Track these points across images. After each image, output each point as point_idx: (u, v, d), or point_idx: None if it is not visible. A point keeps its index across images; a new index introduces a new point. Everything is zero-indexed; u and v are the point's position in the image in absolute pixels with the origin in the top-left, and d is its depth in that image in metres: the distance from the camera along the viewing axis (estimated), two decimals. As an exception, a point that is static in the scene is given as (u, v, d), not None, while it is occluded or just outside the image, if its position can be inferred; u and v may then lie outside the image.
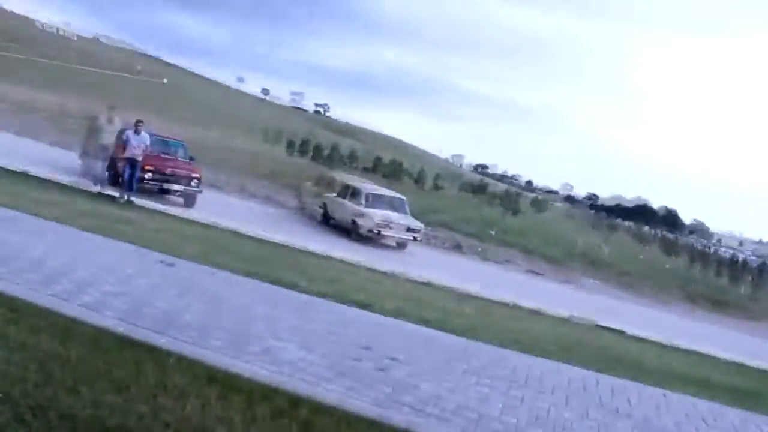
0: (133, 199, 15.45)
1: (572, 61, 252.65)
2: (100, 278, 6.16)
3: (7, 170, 15.99)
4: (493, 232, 28.89)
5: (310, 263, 11.89)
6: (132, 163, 15.82)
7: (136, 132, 16.09)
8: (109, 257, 7.23)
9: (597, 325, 12.24)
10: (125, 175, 15.75)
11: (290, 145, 43.61)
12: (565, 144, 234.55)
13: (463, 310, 10.51)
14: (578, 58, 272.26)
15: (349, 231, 20.71)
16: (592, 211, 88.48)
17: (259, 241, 13.81)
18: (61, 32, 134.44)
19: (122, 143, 16.25)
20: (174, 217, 14.78)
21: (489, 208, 38.31)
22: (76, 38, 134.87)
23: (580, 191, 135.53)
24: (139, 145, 15.92)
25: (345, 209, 21.28)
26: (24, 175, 15.83)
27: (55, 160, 20.30)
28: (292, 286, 7.64)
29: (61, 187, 15.75)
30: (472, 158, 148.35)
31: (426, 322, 7.59)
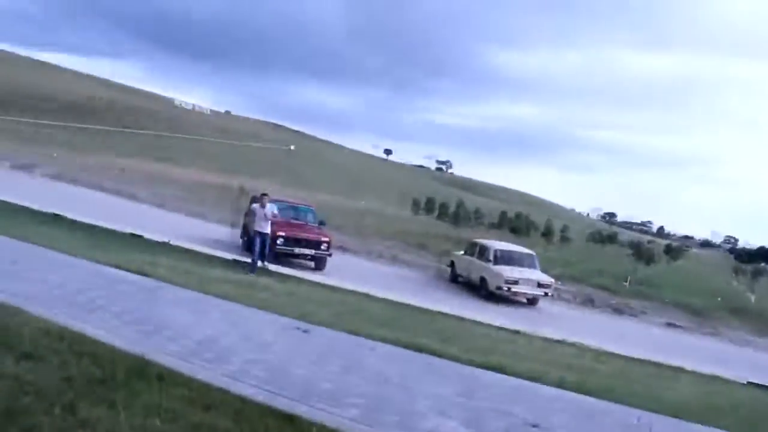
0: (266, 265, 15.66)
1: (702, 105, 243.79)
2: (241, 346, 6.34)
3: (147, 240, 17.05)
4: (626, 284, 27.76)
5: (441, 324, 11.81)
6: (261, 237, 15.89)
7: (262, 205, 16.12)
8: (249, 325, 7.44)
9: (749, 383, 11.41)
10: (254, 248, 15.80)
11: (415, 204, 43.98)
12: (703, 189, 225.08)
13: (600, 369, 10.09)
14: (712, 102, 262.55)
15: (479, 289, 20.49)
16: (732, 256, 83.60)
17: (390, 303, 13.87)
18: (196, 108, 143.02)
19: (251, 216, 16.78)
20: (306, 281, 15.11)
21: (620, 257, 36.93)
22: (209, 112, 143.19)
23: (718, 236, 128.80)
24: (264, 217, 15.94)
25: (473, 267, 21.12)
26: (162, 245, 16.78)
27: (190, 230, 21.23)
28: (426, 350, 7.56)
29: (194, 254, 16.54)
30: (600, 207, 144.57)
31: (564, 384, 7.31)
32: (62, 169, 45.53)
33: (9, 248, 10.63)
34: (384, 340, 7.78)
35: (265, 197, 16.33)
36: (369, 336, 7.95)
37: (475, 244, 21.99)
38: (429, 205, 43.06)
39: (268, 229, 15.92)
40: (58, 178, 41.10)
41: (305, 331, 7.41)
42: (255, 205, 16.49)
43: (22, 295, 7.04)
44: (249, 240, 20.44)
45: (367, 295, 14.33)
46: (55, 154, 56.89)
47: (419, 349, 7.52)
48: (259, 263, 15.70)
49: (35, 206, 21.38)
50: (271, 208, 16.15)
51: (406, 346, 7.63)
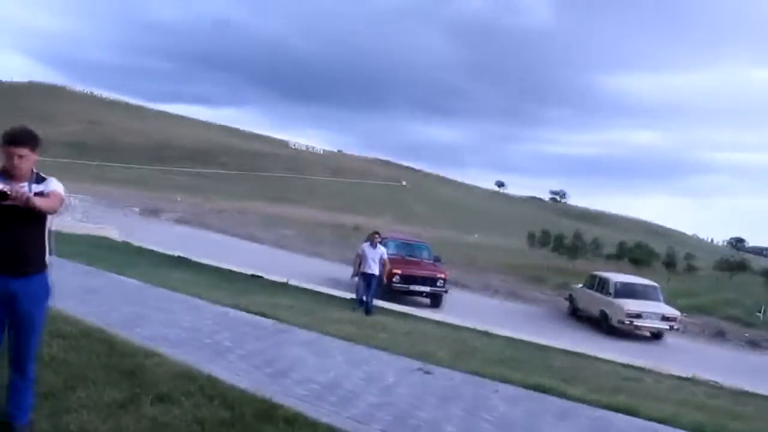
0: (372, 308, 14.56)
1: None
2: (364, 389, 6.34)
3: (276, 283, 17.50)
4: (760, 315, 26.12)
5: (563, 362, 11.45)
6: (368, 279, 14.75)
7: (372, 245, 15.13)
8: (371, 366, 7.43)
9: None
10: (361, 291, 14.80)
11: (531, 236, 43.18)
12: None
13: (739, 411, 9.47)
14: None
15: (599, 323, 19.84)
16: None
17: (509, 340, 13.62)
18: (309, 149, 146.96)
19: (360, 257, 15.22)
20: (423, 319, 15.08)
21: (752, 286, 34.83)
22: (322, 152, 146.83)
23: None
24: (375, 258, 14.89)
25: (593, 300, 20.49)
26: (281, 285, 17.18)
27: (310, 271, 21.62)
28: (551, 391, 7.32)
29: (313, 294, 16.84)
30: (726, 233, 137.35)
31: (702, 429, 6.89)
32: (185, 212, 47.76)
33: (138, 290, 11.15)
34: (506, 381, 7.59)
35: (377, 236, 15.44)
36: (490, 376, 7.78)
37: (594, 277, 21.38)
38: (545, 238, 42.14)
39: (376, 270, 14.79)
40: (182, 221, 43.10)
41: (427, 372, 7.34)
42: (365, 245, 15.25)
43: (154, 337, 7.35)
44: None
45: (485, 333, 14.13)
46: (178, 198, 59.75)
47: (543, 390, 7.29)
48: (367, 305, 14.62)
49: (161, 249, 22.46)
50: (379, 251, 15.12)
51: (529, 387, 7.41)
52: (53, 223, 4.28)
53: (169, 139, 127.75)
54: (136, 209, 46.85)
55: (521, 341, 13.89)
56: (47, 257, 4.28)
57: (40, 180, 4.14)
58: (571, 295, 22.82)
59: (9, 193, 3.70)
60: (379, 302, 17.23)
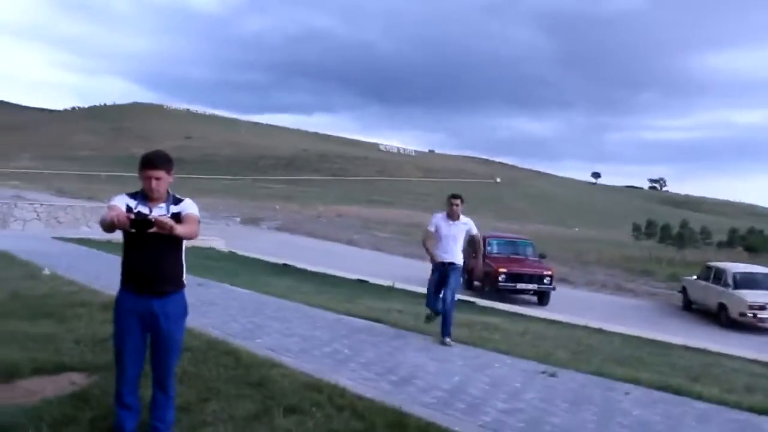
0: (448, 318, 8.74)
1: None
2: (491, 394, 6.20)
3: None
4: None
5: (686, 359, 10.93)
6: (442, 272, 8.86)
7: (449, 216, 8.90)
8: (492, 370, 7.28)
9: None
10: (433, 291, 8.98)
11: (636, 228, 41.77)
12: None
13: None
14: None
15: (717, 316, 18.97)
16: None
17: (624, 337, 13.14)
18: (401, 151, 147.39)
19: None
20: (534, 318, 14.76)
21: None
22: (414, 153, 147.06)
23: None
24: (455, 237, 8.89)
25: (709, 292, 19.61)
26: (386, 289, 17.18)
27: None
28: (684, 392, 6.97)
29: (419, 296, 16.72)
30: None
31: None
32: (285, 220, 48.72)
33: (251, 300, 11.36)
34: (633, 381, 7.28)
35: (456, 202, 8.85)
36: (614, 377, 7.49)
37: (709, 268, 20.45)
38: (650, 228, 40.69)
39: (458, 257, 8.84)
40: (282, 229, 44.00)
41: (552, 375, 7.12)
42: (438, 217, 9.03)
43: (275, 347, 7.43)
44: (470, 277, 20.40)
45: (599, 330, 13.72)
46: (277, 207, 61.01)
47: (675, 391, 6.95)
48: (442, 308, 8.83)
49: (265, 257, 22.92)
50: (462, 224, 8.89)
51: (659, 388, 7.08)
52: None
53: (263, 148, 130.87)
54: (237, 219, 48.13)
55: (638, 338, 13.38)
56: (184, 276, 4.39)
57: (176, 201, 4.31)
58: (684, 288, 21.93)
59: (154, 222, 3.82)
60: (483, 302, 17.00)
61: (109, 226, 4.00)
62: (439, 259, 8.81)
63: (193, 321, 8.32)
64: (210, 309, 9.88)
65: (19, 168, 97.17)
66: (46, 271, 11.94)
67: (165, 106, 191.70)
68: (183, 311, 4.41)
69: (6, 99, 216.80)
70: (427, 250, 9.20)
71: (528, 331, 11.39)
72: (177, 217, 4.18)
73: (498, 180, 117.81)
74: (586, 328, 13.84)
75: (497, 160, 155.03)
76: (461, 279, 10.15)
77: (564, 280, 24.85)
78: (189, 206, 4.31)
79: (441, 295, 8.81)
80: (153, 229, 3.90)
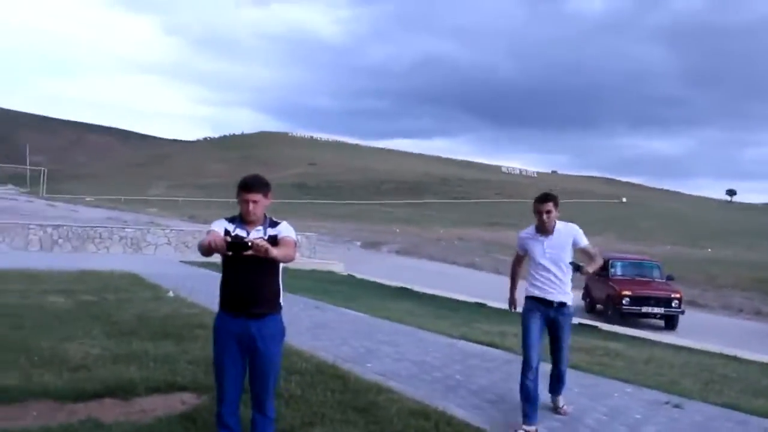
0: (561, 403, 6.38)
1: None
2: (609, 426, 5.85)
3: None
4: None
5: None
6: (546, 314, 5.89)
7: (541, 229, 5.87)
8: (613, 399, 6.88)
9: None
10: (533, 343, 5.90)
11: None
12: None
13: None
14: None
15: None
16: None
17: (764, 366, 12.19)
18: (523, 173, 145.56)
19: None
20: (659, 344, 13.97)
21: None
22: (536, 175, 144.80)
23: None
24: (554, 259, 5.84)
25: None
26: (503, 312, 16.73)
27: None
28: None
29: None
30: None
31: None
32: (405, 243, 48.89)
33: (365, 324, 11.34)
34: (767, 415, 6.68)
35: (546, 205, 5.77)
36: (749, 410, 6.89)
37: None
38: (792, 248, 37.95)
39: (565, 293, 5.86)
40: (402, 252, 44.16)
41: (676, 406, 6.64)
42: (525, 234, 6.06)
43: (385, 372, 7.34)
44: (591, 300, 19.72)
45: (734, 358, 12.79)
46: (397, 230, 61.44)
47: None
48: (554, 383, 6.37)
49: (384, 281, 22.98)
50: (564, 235, 5.86)
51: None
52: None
53: (385, 173, 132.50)
54: (358, 243, 48.78)
55: (778, 367, 12.38)
56: (281, 298, 4.39)
57: (273, 224, 4.34)
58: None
59: (251, 245, 3.84)
60: (606, 326, 16.29)
61: (206, 250, 4.06)
62: (537, 293, 5.73)
63: (305, 344, 8.43)
64: (323, 332, 9.94)
65: (156, 196, 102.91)
66: (171, 294, 12.44)
67: (290, 134, 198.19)
68: (280, 333, 4.43)
69: (148, 132, 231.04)
70: (512, 283, 6.22)
71: (653, 357, 10.75)
72: (274, 240, 4.21)
73: (624, 200, 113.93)
74: (718, 355, 12.94)
75: (624, 179, 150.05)
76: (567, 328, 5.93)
77: (694, 304, 23.52)
78: (285, 229, 4.34)
79: (550, 355, 6.10)
80: (249, 252, 3.92)
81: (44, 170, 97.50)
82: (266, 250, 3.91)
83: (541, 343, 5.78)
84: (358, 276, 24.07)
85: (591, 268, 5.94)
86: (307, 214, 69.52)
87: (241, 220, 4.32)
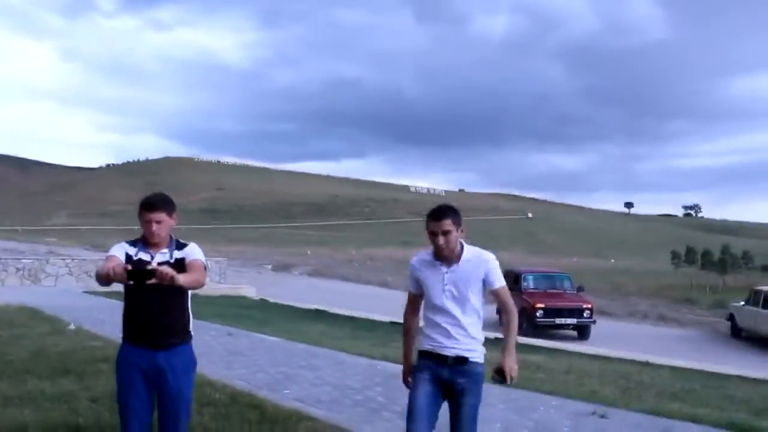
0: None
1: None
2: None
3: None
4: None
5: (743, 391, 10.26)
6: (435, 372, 3.94)
7: (433, 256, 4.01)
8: (539, 413, 6.77)
9: None
10: (419, 412, 3.90)
11: (675, 255, 40.70)
12: None
13: None
14: None
15: (770, 343, 18.14)
16: None
17: (674, 369, 12.46)
18: (431, 191, 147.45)
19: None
20: (575, 354, 14.14)
21: None
22: (443, 193, 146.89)
23: None
24: (452, 291, 4.00)
25: (760, 318, 18.80)
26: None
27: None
28: (748, 430, 6.39)
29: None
30: None
31: None
32: (317, 265, 48.44)
33: (281, 348, 10.94)
34: (692, 419, 6.70)
35: (441, 223, 3.87)
36: (670, 414, 6.91)
37: (758, 292, 19.66)
38: (690, 255, 39.61)
39: (474, 346, 3.95)
40: (314, 274, 43.70)
41: (602, 416, 6.58)
42: (418, 262, 4.08)
43: (304, 398, 7.00)
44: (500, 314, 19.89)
45: (646, 363, 13.05)
46: (308, 252, 60.86)
47: (741, 429, 6.37)
48: None
49: (298, 304, 22.53)
50: (479, 269, 3.94)
51: (721, 426, 6.49)
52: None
53: (294, 196, 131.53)
54: (269, 266, 48.00)
55: (688, 370, 12.71)
56: (191, 326, 4.04)
57: (180, 246, 3.99)
58: (731, 314, 21.08)
59: (155, 273, 3.47)
60: (522, 339, 16.40)
61: (104, 279, 3.66)
62: (425, 348, 3.98)
63: (218, 372, 8.00)
64: (237, 359, 9.50)
65: (56, 225, 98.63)
66: (72, 327, 11.69)
67: (196, 159, 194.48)
68: (191, 364, 4.05)
69: (47, 160, 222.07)
70: (405, 342, 4.25)
71: (572, 368, 10.80)
72: (181, 263, 3.87)
73: (530, 215, 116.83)
74: (631, 361, 13.19)
75: (528, 195, 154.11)
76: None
77: (604, 313, 24.09)
78: (194, 251, 3.98)
79: None
80: (153, 281, 3.51)
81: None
82: (172, 278, 3.48)
83: (433, 417, 3.94)
84: (271, 300, 23.54)
85: (509, 360, 3.84)
86: (216, 239, 68.05)
87: (144, 243, 3.94)
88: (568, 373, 10.23)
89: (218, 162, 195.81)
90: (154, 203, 3.90)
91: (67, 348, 9.59)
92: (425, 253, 4.03)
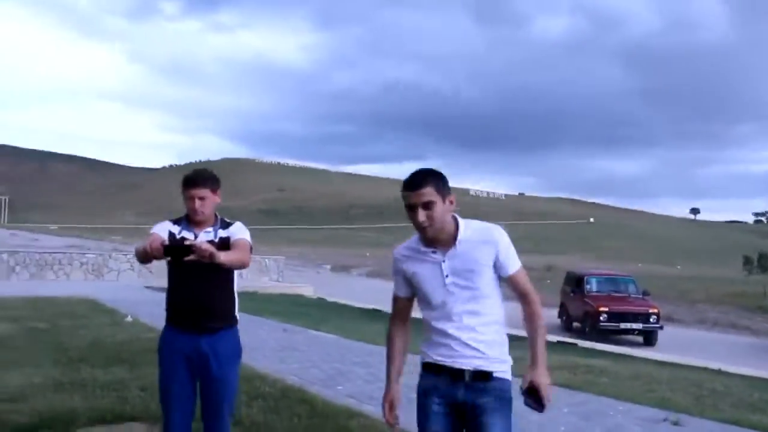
0: None
1: None
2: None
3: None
4: None
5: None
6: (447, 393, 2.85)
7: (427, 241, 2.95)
8: (607, 418, 6.36)
9: None
10: None
11: (747, 261, 39.19)
12: None
13: None
14: None
15: None
16: None
17: (750, 379, 11.77)
18: (490, 195, 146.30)
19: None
20: (641, 359, 13.54)
21: None
22: (503, 197, 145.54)
23: None
24: (459, 291, 2.88)
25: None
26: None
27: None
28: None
29: (517, 339, 15.71)
30: None
31: None
32: (375, 266, 48.28)
33: (336, 345, 10.73)
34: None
35: (426, 193, 2.81)
36: (751, 425, 6.41)
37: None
38: (763, 262, 38.08)
39: (491, 358, 2.81)
40: (372, 275, 43.52)
41: (675, 423, 6.14)
42: (403, 253, 3.02)
43: (357, 394, 6.76)
44: (568, 318, 19.38)
45: (719, 372, 12.37)
46: (367, 253, 60.84)
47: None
48: None
49: (355, 303, 22.34)
50: (493, 245, 2.83)
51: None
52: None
53: (354, 198, 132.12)
54: (328, 266, 48.09)
55: (765, 380, 11.99)
56: (236, 311, 3.79)
57: (225, 225, 3.76)
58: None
59: (193, 247, 3.24)
60: (585, 343, 15.85)
61: (142, 255, 3.45)
62: (433, 360, 2.92)
63: (270, 367, 7.81)
64: (290, 355, 9.31)
65: (124, 224, 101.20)
66: (129, 318, 11.74)
67: (257, 160, 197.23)
68: (236, 351, 3.80)
69: (113, 160, 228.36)
70: (388, 364, 3.16)
71: (639, 373, 10.26)
72: (226, 243, 3.63)
73: (591, 220, 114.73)
74: (703, 369, 12.53)
75: (590, 200, 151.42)
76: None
77: (671, 319, 23.21)
78: (239, 230, 3.74)
79: None
80: (191, 257, 3.26)
81: (5, 199, 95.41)
82: (211, 255, 3.25)
83: None
84: (329, 299, 23.41)
85: (541, 376, 2.73)
86: (276, 239, 68.70)
87: (188, 221, 3.72)
88: (635, 378, 9.70)
89: (278, 163, 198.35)
90: (196, 179, 3.68)
91: (123, 339, 9.58)
92: (413, 240, 2.97)
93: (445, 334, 2.83)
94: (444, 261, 2.82)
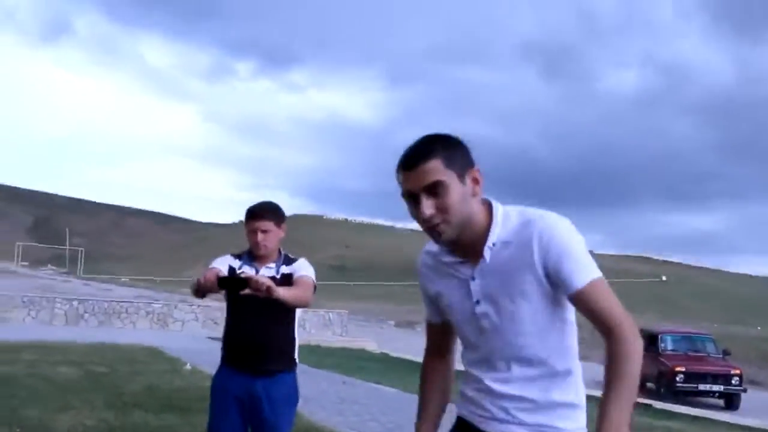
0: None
1: None
2: None
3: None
4: None
5: None
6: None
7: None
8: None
9: None
10: None
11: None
12: None
13: None
14: None
15: None
16: None
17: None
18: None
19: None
20: (722, 422, 12.77)
21: None
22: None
23: None
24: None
25: None
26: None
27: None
28: None
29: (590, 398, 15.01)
30: None
31: None
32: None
33: (396, 399, 10.41)
34: None
35: (428, 168, 1.79)
36: None
37: None
38: None
39: (542, 414, 1.85)
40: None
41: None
42: (427, 260, 2.02)
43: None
44: (642, 378, 18.50)
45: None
46: (432, 309, 60.10)
47: None
48: None
49: (419, 359, 21.92)
50: (543, 247, 1.77)
51: None
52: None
53: (418, 254, 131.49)
54: (392, 322, 47.69)
55: None
56: (296, 353, 3.61)
57: (288, 261, 3.60)
58: None
59: (249, 280, 3.06)
60: (658, 404, 15.09)
61: (196, 289, 3.30)
62: (462, 415, 2.05)
63: (328, 419, 7.57)
64: (349, 407, 9.05)
65: (191, 277, 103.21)
66: (188, 366, 11.71)
67: (324, 217, 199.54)
68: (291, 396, 3.59)
69: (186, 215, 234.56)
70: (420, 411, 2.17)
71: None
72: (288, 279, 3.47)
73: (664, 278, 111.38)
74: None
75: (661, 258, 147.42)
76: None
77: (753, 382, 22.01)
78: (303, 267, 3.57)
79: None
80: (247, 291, 3.08)
81: (82, 251, 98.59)
82: (268, 288, 3.02)
83: None
84: (392, 354, 23.05)
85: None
86: (343, 294, 68.80)
87: (250, 256, 3.60)
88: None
89: (346, 220, 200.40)
90: (259, 211, 3.55)
91: (179, 386, 9.52)
92: (434, 246, 1.94)
93: (477, 379, 1.93)
94: (473, 278, 1.83)
